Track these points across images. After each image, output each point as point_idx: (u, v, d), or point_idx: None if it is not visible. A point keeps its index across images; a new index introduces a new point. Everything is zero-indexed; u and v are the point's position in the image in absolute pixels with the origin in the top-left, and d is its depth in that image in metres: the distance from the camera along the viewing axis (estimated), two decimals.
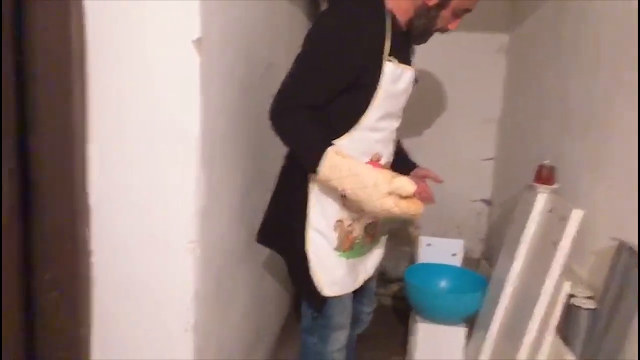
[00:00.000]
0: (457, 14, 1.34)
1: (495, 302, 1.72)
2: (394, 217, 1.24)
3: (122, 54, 1.12)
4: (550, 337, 1.45)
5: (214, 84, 1.22)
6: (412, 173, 1.55)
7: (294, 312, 2.42)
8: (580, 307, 1.36)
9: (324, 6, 2.32)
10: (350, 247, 1.37)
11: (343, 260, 1.36)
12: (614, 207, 1.37)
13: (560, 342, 1.42)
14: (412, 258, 2.43)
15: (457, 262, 2.15)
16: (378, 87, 1.26)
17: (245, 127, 1.51)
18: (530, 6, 2.22)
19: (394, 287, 2.67)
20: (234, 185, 1.46)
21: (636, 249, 1.22)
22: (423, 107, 2.62)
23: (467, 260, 2.38)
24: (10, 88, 1.08)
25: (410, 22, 1.34)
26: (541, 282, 1.46)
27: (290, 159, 1.40)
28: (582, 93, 1.62)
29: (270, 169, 1.45)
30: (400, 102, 1.38)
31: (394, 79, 1.29)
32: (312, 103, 1.23)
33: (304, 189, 1.33)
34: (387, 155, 1.40)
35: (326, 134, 1.26)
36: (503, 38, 2.56)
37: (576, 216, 1.42)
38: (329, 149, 1.20)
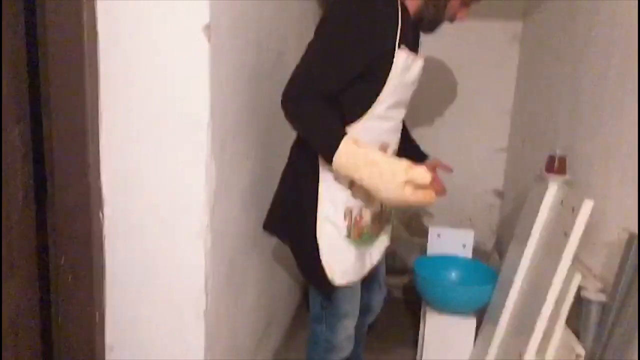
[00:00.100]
0: (466, 3, 1.34)
1: (505, 294, 1.71)
2: (407, 205, 1.25)
3: (132, 40, 1.13)
4: (560, 329, 1.44)
5: (223, 71, 1.23)
6: (423, 164, 1.55)
7: (305, 302, 2.43)
8: (590, 299, 1.35)
9: None
10: (359, 235, 1.38)
11: (352, 248, 1.37)
12: (626, 198, 1.36)
13: (570, 334, 1.41)
14: (422, 249, 2.42)
15: (467, 253, 2.14)
16: (390, 75, 1.27)
17: (255, 115, 1.52)
18: None
19: (405, 279, 2.67)
20: (244, 172, 1.47)
21: None
22: (435, 97, 2.60)
23: (478, 252, 2.37)
24: (23, 75, 1.10)
25: (419, 11, 1.34)
26: (551, 274, 1.45)
27: (299, 147, 1.40)
28: (594, 83, 1.60)
29: (280, 156, 1.45)
30: (410, 91, 1.39)
31: (405, 68, 1.30)
32: (326, 91, 1.23)
33: (313, 177, 1.33)
34: (394, 144, 1.41)
35: (340, 123, 1.26)
36: (517, 26, 2.52)
37: (587, 206, 1.40)
38: (346, 138, 1.21)
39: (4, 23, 1.02)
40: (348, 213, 1.34)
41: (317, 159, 1.32)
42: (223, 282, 1.36)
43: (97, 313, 1.24)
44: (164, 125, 1.16)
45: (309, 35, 1.28)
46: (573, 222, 1.42)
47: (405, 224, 2.78)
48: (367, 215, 1.39)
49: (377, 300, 1.67)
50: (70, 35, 1.10)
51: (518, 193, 2.32)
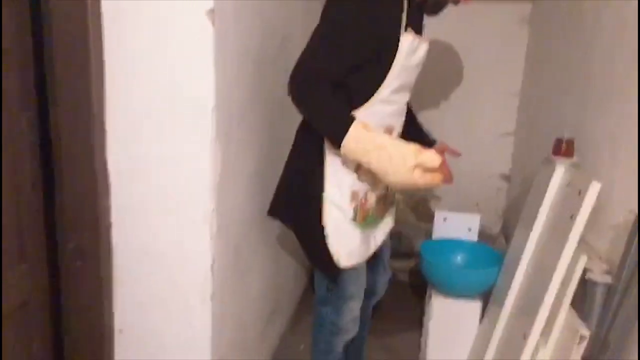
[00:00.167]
0: None
1: (510, 276, 1.72)
2: (415, 188, 1.27)
3: (136, 27, 1.13)
4: (565, 311, 1.44)
5: (228, 56, 1.22)
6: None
7: (310, 287, 2.45)
8: (596, 281, 1.35)
9: None
10: (364, 218, 1.39)
11: (358, 231, 1.38)
12: (633, 180, 1.35)
13: (575, 316, 1.42)
14: (428, 234, 2.43)
15: (473, 237, 2.14)
16: (396, 59, 1.26)
17: (260, 99, 1.52)
18: None
19: (411, 263, 2.68)
20: (250, 157, 1.48)
21: None
22: (441, 80, 2.58)
23: (485, 236, 2.38)
24: (29, 63, 1.10)
25: None
26: (557, 256, 1.45)
27: (304, 131, 1.41)
28: (604, 65, 1.58)
29: (285, 142, 1.46)
30: (414, 75, 1.38)
31: (411, 51, 1.29)
32: (333, 76, 1.23)
33: (319, 161, 1.34)
34: (398, 127, 1.41)
35: (348, 107, 1.27)
36: (525, 8, 2.48)
37: (594, 189, 1.39)
38: (355, 123, 1.21)
39: (8, 13, 1.03)
40: (354, 196, 1.35)
41: (323, 143, 1.33)
42: (229, 267, 1.38)
43: (105, 297, 1.26)
44: (169, 111, 1.16)
45: (315, 20, 1.27)
46: (579, 205, 1.41)
47: (412, 208, 2.78)
48: (372, 198, 1.40)
49: (382, 282, 1.69)
50: (74, 23, 1.10)
51: (525, 177, 2.31)
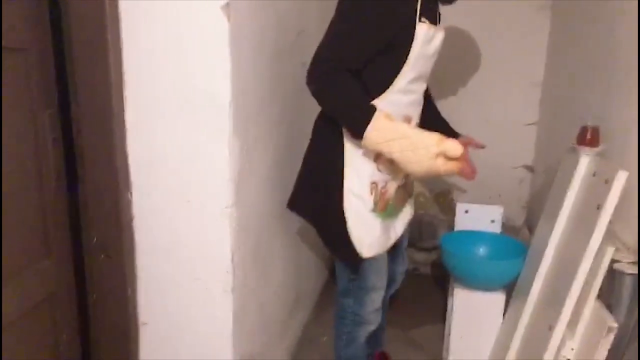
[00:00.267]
0: None
1: (535, 268, 1.69)
2: (436, 175, 1.29)
3: (152, 23, 1.14)
4: (592, 302, 1.41)
5: (244, 50, 1.23)
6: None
7: (332, 280, 2.46)
8: (623, 272, 1.32)
9: None
10: (384, 208, 1.40)
11: (378, 221, 1.38)
12: None
13: (602, 307, 1.39)
14: (451, 226, 2.40)
15: (495, 228, 2.11)
16: (412, 49, 1.26)
17: (277, 93, 1.52)
18: None
19: (433, 256, 2.66)
20: (267, 150, 1.48)
21: None
22: (462, 71, 2.54)
23: (508, 227, 2.34)
24: (50, 62, 1.13)
25: None
26: (584, 247, 1.41)
27: (322, 122, 1.40)
28: (629, 50, 1.53)
29: (304, 134, 1.46)
30: (430, 64, 1.38)
31: (427, 41, 1.29)
32: (351, 67, 1.23)
33: (338, 152, 1.34)
34: (416, 117, 1.41)
35: (368, 97, 1.27)
36: None
37: (621, 178, 1.35)
38: (378, 113, 1.22)
39: (27, 14, 1.05)
40: (373, 187, 1.35)
41: (342, 134, 1.33)
42: (249, 260, 1.39)
43: (129, 291, 1.29)
44: (187, 106, 1.17)
45: (329, 14, 1.27)
46: (607, 194, 1.38)
47: (435, 200, 2.76)
48: (391, 188, 1.40)
49: (400, 271, 1.70)
50: (93, 21, 1.12)
51: (549, 167, 2.26)
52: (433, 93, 1.65)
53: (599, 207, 1.40)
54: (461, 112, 2.38)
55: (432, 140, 1.22)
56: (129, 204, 1.24)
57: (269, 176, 1.50)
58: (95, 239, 1.25)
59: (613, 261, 1.36)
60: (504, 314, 1.88)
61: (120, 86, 1.17)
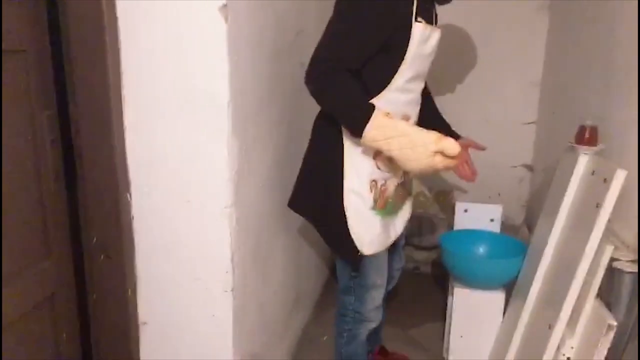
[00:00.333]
0: None
1: (534, 267, 1.69)
2: (434, 172, 1.30)
3: (150, 24, 1.14)
4: (592, 301, 1.41)
5: (242, 51, 1.23)
6: None
7: (332, 279, 2.46)
8: (622, 270, 1.32)
9: None
10: (384, 206, 1.41)
11: (378, 218, 1.39)
12: None
13: (602, 306, 1.39)
14: (451, 225, 2.40)
15: (495, 227, 2.11)
16: (408, 48, 1.27)
17: (276, 93, 1.52)
18: None
19: (433, 255, 2.66)
20: (267, 150, 1.48)
21: None
22: (461, 70, 2.54)
23: (508, 227, 2.34)
24: (48, 63, 1.13)
25: None
26: (583, 246, 1.42)
27: (321, 121, 1.41)
28: (627, 50, 1.53)
29: (304, 133, 1.46)
30: (427, 63, 1.39)
31: (423, 40, 1.30)
32: (350, 66, 1.24)
33: (337, 150, 1.35)
34: (414, 116, 1.42)
35: (366, 96, 1.28)
36: None
37: (620, 176, 1.36)
38: (377, 111, 1.23)
39: (26, 15, 1.05)
40: (373, 184, 1.36)
41: (341, 133, 1.34)
42: (249, 260, 1.39)
43: (129, 291, 1.29)
44: (185, 106, 1.17)
45: (328, 14, 1.27)
46: (605, 193, 1.38)
47: (435, 199, 2.76)
48: (390, 186, 1.41)
49: (397, 268, 1.71)
50: (91, 22, 1.12)
51: (548, 166, 2.27)
52: (432, 92, 1.65)
53: (598, 206, 1.41)
54: (460, 111, 2.37)
55: (431, 138, 1.24)
56: (128, 203, 1.24)
57: (268, 176, 1.50)
58: (95, 239, 1.25)
59: (612, 260, 1.37)
60: (503, 313, 1.88)
61: (119, 86, 1.17)
